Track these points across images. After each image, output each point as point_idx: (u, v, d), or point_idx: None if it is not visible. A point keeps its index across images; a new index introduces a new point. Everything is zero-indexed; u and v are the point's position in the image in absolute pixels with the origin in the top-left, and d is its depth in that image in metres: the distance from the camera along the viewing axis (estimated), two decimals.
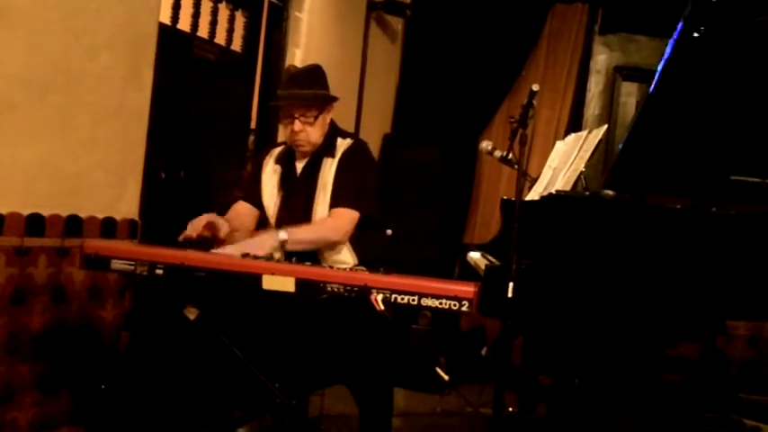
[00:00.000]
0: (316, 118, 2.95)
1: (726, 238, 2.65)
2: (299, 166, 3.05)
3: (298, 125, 2.93)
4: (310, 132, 2.95)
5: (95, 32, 3.16)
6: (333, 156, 2.98)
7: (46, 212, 3.04)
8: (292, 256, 2.72)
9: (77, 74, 3.11)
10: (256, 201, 3.10)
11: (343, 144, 3.02)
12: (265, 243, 2.75)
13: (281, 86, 3.04)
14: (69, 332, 3.17)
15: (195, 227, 2.81)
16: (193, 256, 2.51)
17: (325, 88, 3.01)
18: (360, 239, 2.97)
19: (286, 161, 3.08)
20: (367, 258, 2.92)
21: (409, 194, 5.51)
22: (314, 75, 3.01)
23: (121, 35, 3.29)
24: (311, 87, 2.96)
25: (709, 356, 4.59)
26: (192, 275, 2.46)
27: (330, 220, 2.90)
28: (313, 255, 2.89)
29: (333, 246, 2.92)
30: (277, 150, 3.14)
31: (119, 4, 3.26)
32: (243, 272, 2.44)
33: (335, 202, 2.92)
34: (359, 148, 3.05)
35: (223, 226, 2.86)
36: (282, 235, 2.77)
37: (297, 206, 3.00)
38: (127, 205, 3.43)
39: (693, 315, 2.69)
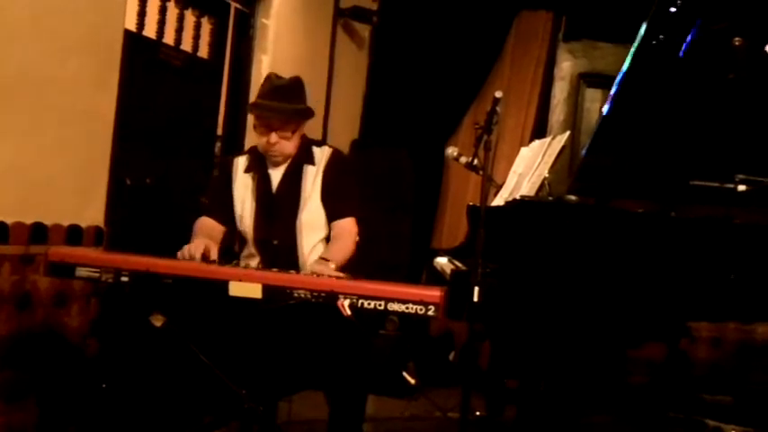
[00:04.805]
0: (293, 132, 2.96)
1: (686, 241, 2.70)
2: (275, 174, 3.02)
3: (274, 137, 2.93)
4: (285, 145, 2.95)
5: (63, 37, 3.14)
6: (312, 163, 3.01)
7: (10, 220, 3.01)
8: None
9: (44, 78, 3.08)
10: (223, 215, 3.03)
11: (321, 152, 3.04)
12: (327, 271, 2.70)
13: (262, 96, 2.98)
14: (35, 340, 3.14)
15: (192, 254, 2.69)
16: (159, 263, 2.51)
17: (304, 102, 3.02)
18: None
19: (258, 170, 3.04)
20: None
21: (377, 200, 5.51)
22: (296, 89, 3.01)
23: (88, 41, 3.27)
24: (293, 101, 2.96)
25: (674, 358, 4.66)
26: (158, 282, 2.46)
27: (346, 232, 2.98)
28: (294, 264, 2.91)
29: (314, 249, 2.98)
30: (242, 159, 3.10)
31: (85, 9, 3.24)
32: (210, 278, 2.44)
33: (340, 212, 2.99)
34: (342, 156, 3.14)
35: (213, 248, 2.77)
36: (331, 264, 2.75)
37: (278, 216, 2.98)
38: (93, 212, 3.40)
39: (656, 317, 2.74)
